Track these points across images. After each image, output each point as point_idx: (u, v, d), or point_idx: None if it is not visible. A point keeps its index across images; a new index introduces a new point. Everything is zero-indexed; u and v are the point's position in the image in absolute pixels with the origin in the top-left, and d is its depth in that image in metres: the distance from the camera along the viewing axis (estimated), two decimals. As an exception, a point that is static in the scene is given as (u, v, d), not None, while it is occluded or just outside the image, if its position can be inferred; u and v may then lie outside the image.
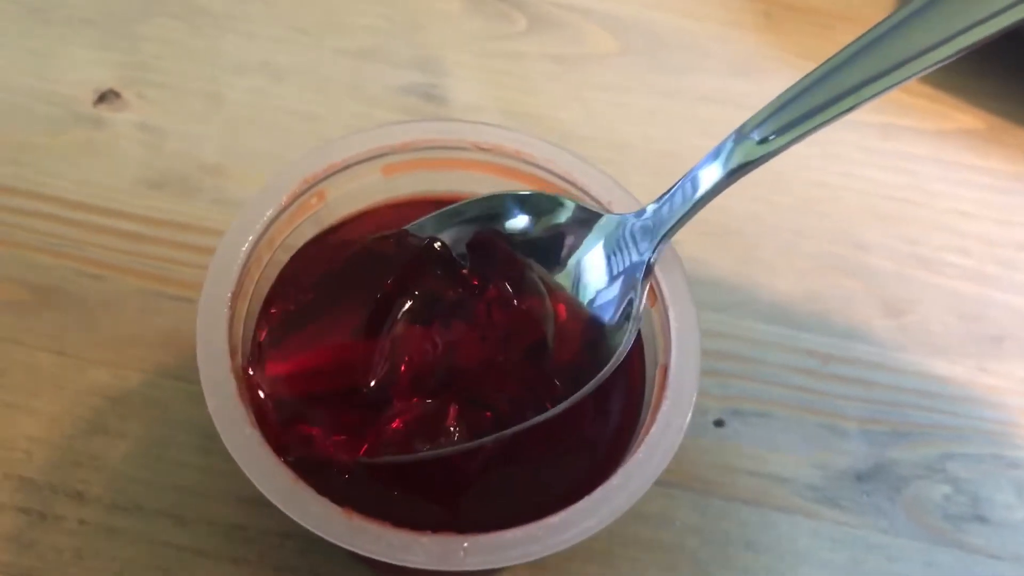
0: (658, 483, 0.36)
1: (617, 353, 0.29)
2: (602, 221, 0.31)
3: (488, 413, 0.29)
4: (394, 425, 0.28)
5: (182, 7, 0.47)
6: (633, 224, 0.31)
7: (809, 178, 0.45)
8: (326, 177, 0.31)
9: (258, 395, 0.29)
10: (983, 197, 0.46)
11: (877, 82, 0.26)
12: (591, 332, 0.30)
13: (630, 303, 0.30)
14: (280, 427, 0.28)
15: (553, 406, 0.28)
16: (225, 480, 0.35)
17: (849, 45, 0.27)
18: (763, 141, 0.28)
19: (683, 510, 0.37)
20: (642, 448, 0.27)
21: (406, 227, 0.31)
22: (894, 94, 0.47)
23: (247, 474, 0.25)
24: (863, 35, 0.26)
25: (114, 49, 0.45)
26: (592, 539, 0.35)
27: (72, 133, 0.43)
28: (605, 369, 0.29)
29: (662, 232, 0.30)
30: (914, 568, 0.36)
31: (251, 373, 0.28)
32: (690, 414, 0.28)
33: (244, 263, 0.28)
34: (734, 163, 0.28)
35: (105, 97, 0.44)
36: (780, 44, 0.49)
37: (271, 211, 0.29)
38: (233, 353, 0.27)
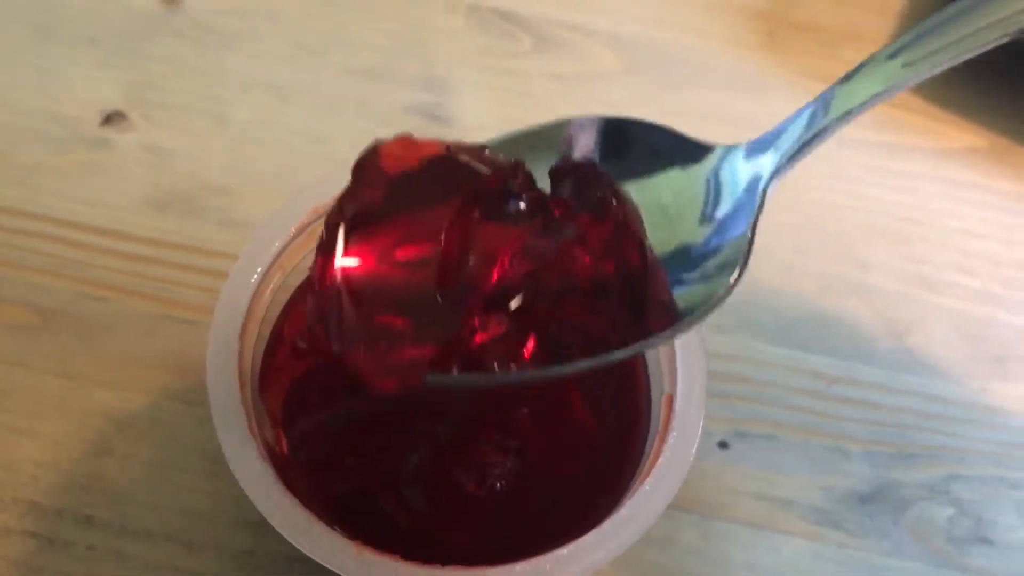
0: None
1: (727, 286, 0.27)
2: (701, 152, 0.29)
3: (570, 347, 0.26)
4: (474, 342, 0.26)
5: (188, 26, 0.47)
6: (744, 153, 0.28)
7: (813, 197, 0.46)
8: (334, 206, 0.31)
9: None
10: (987, 216, 0.46)
11: (1016, 19, 0.25)
12: (688, 269, 0.28)
13: (732, 237, 0.27)
14: (359, 320, 0.25)
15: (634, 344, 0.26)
16: (233, 504, 0.35)
17: None
18: (907, 65, 0.26)
19: (686, 532, 0.37)
20: (649, 479, 0.27)
21: (483, 144, 0.29)
22: (896, 112, 0.46)
23: (259, 508, 0.25)
24: None
25: (120, 69, 0.45)
26: (598, 564, 0.36)
27: (78, 154, 0.43)
28: (711, 302, 0.26)
29: (786, 154, 0.27)
30: (918, 591, 0.37)
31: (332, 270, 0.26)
32: (696, 444, 0.28)
33: (253, 294, 0.29)
34: (878, 86, 0.26)
35: (111, 118, 0.44)
36: (783, 62, 0.50)
37: (279, 242, 0.30)
38: (243, 384, 0.27)
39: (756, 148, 0.28)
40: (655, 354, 0.31)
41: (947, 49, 0.25)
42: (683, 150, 0.29)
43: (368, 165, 0.26)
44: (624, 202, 0.27)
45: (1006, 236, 0.45)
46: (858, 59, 0.51)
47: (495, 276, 0.26)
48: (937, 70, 0.25)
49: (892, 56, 0.26)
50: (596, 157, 0.29)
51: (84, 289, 0.39)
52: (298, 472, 0.29)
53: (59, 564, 0.34)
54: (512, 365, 0.26)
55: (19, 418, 0.36)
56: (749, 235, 0.27)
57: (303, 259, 0.31)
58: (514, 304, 0.26)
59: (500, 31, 0.49)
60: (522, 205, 0.27)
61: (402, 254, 0.25)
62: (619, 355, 0.26)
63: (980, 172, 0.47)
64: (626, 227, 0.27)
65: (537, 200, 0.27)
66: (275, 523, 0.25)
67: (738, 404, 0.40)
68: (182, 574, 0.34)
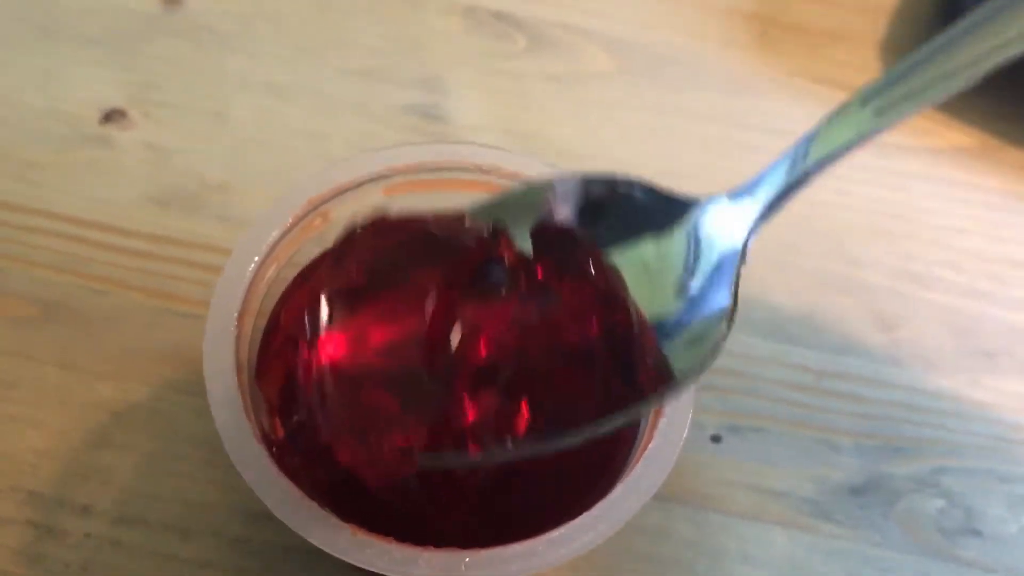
0: (656, 498, 0.37)
1: (715, 347, 0.27)
2: (679, 209, 0.29)
3: (559, 416, 0.27)
4: (464, 421, 0.26)
5: (188, 27, 0.48)
6: (724, 205, 0.29)
7: (803, 195, 0.46)
8: (330, 198, 0.31)
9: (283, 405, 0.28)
10: (975, 214, 0.46)
11: (990, 57, 0.25)
12: (674, 327, 0.28)
13: (713, 305, 0.28)
14: (345, 408, 0.26)
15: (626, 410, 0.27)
16: (230, 494, 0.36)
17: (961, 21, 0.26)
18: (879, 114, 0.26)
19: (681, 524, 0.37)
20: (640, 464, 0.28)
21: (464, 211, 0.29)
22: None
23: (254, 490, 0.26)
24: (976, 11, 0.26)
25: (120, 68, 0.46)
26: (591, 553, 0.36)
27: (79, 151, 0.43)
28: (702, 364, 0.27)
29: (757, 211, 0.28)
30: (908, 581, 0.37)
31: (308, 364, 0.26)
32: (687, 429, 0.29)
33: (250, 282, 0.29)
34: (850, 135, 0.26)
35: (111, 116, 0.45)
36: (776, 63, 0.50)
37: (276, 232, 0.30)
38: (240, 369, 0.28)
39: (736, 197, 0.29)
40: (646, 343, 0.31)
41: (916, 96, 0.26)
42: (664, 207, 0.29)
43: (347, 248, 0.27)
44: (605, 265, 0.28)
45: (994, 233, 0.46)
46: (849, 60, 0.52)
47: (482, 352, 0.26)
48: (907, 117, 0.26)
49: (864, 103, 0.27)
50: (577, 219, 0.30)
51: (86, 283, 0.40)
52: (294, 458, 0.29)
53: (57, 552, 0.34)
54: (507, 440, 0.26)
55: (20, 408, 0.37)
56: (733, 289, 0.28)
57: (299, 250, 0.32)
58: (503, 379, 0.26)
59: (495, 32, 0.50)
60: (503, 275, 0.27)
61: (386, 337, 0.26)
62: (613, 423, 0.26)
63: (969, 171, 0.48)
64: (610, 291, 0.27)
65: (520, 265, 0.27)
66: (268, 503, 0.26)
67: (730, 398, 0.40)
68: (178, 562, 0.34)
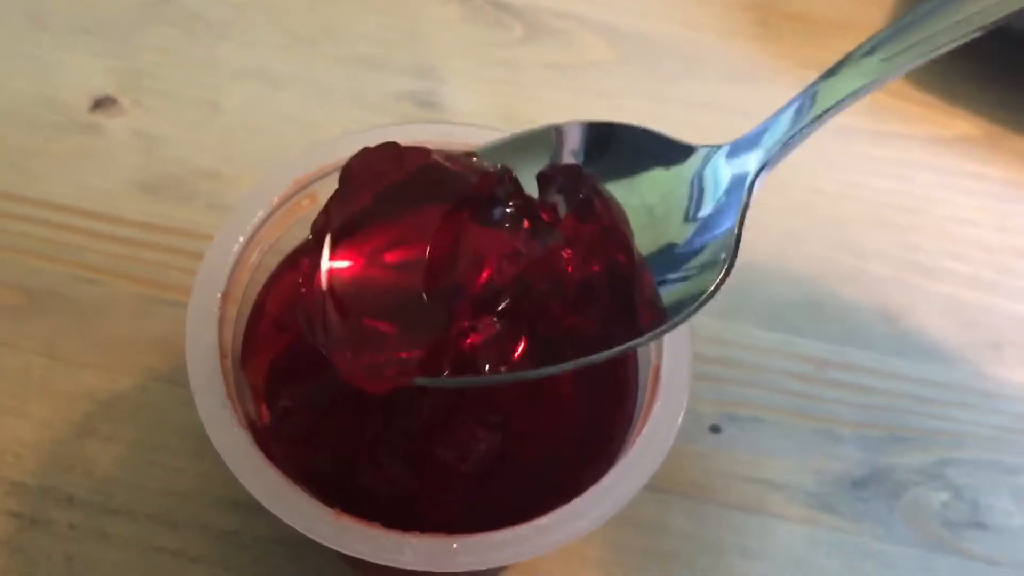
0: (653, 489, 0.36)
1: (715, 281, 0.27)
2: (686, 153, 0.29)
3: (560, 348, 0.27)
4: (464, 343, 0.26)
5: (180, 15, 0.47)
6: (727, 153, 0.29)
7: (806, 184, 0.45)
8: (318, 179, 0.31)
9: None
10: (980, 204, 0.46)
11: (995, 8, 0.26)
12: (674, 268, 0.28)
13: (717, 234, 0.27)
14: (345, 324, 0.25)
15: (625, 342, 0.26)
16: (218, 485, 0.35)
17: None
18: (886, 60, 0.26)
19: (679, 516, 0.36)
20: (633, 450, 0.27)
21: (471, 151, 0.29)
22: (890, 100, 0.46)
23: (236, 475, 0.25)
24: None
25: (111, 56, 0.45)
26: (587, 545, 0.35)
27: (69, 139, 0.43)
28: (702, 299, 0.27)
29: (771, 150, 0.27)
30: (911, 574, 0.36)
31: (320, 266, 0.26)
32: (682, 415, 0.28)
33: (234, 264, 0.28)
34: (858, 81, 0.26)
35: (102, 103, 0.44)
36: (776, 52, 0.49)
37: (262, 212, 0.29)
38: (223, 354, 0.27)
39: (741, 147, 0.29)
40: (642, 327, 0.30)
41: (923, 43, 0.26)
42: (668, 151, 0.30)
43: (355, 171, 0.27)
44: (609, 203, 0.27)
45: (999, 223, 0.45)
46: (850, 49, 0.51)
47: (483, 278, 0.26)
48: (914, 64, 0.26)
49: (870, 52, 0.27)
50: (582, 161, 0.30)
51: (74, 272, 0.39)
52: (280, 445, 0.29)
53: (41, 543, 0.34)
54: (502, 366, 0.26)
55: (5, 398, 0.36)
56: (736, 231, 0.27)
57: (285, 233, 0.31)
58: (503, 306, 0.26)
59: (492, 20, 0.49)
60: (509, 210, 0.27)
61: (389, 259, 0.26)
62: (607, 354, 0.26)
63: (974, 160, 0.47)
64: (612, 228, 0.27)
65: (524, 205, 0.27)
66: (250, 487, 0.25)
67: (730, 388, 0.39)
68: (166, 553, 0.34)
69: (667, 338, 0.29)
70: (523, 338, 0.27)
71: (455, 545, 0.25)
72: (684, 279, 0.27)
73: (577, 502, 0.26)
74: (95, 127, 0.43)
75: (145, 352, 0.38)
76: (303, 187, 0.30)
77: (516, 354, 0.26)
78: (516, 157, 0.29)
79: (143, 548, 0.34)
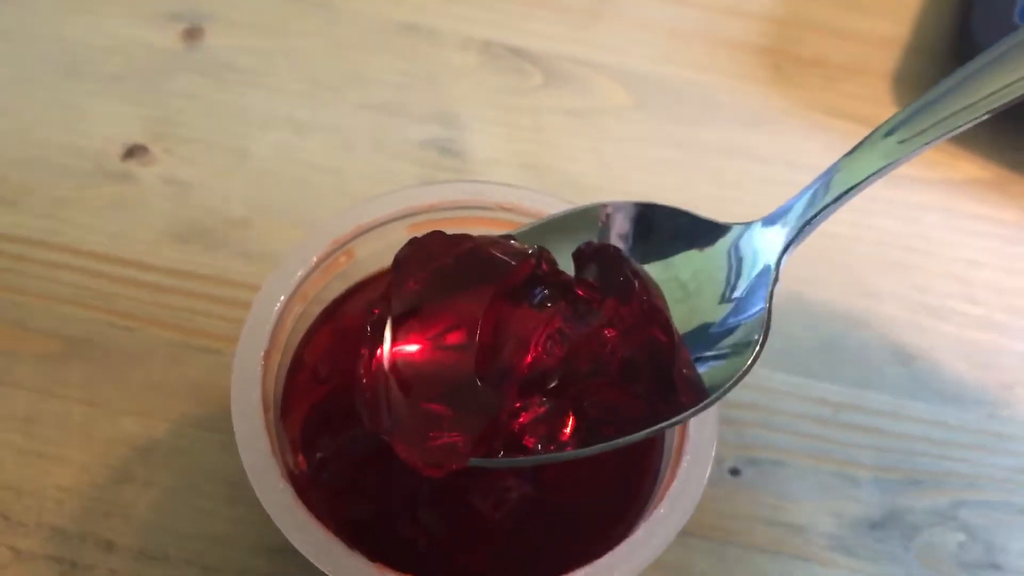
0: (678, 533, 0.37)
1: (751, 360, 0.28)
2: (718, 233, 0.31)
3: (604, 426, 0.28)
4: (514, 424, 0.27)
5: (208, 63, 0.48)
6: (757, 230, 0.30)
7: (820, 228, 0.46)
8: (355, 237, 0.32)
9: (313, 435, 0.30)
10: (990, 246, 0.47)
11: (1008, 91, 0.27)
12: (707, 346, 0.29)
13: (750, 315, 0.29)
14: (407, 408, 0.26)
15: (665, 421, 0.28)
16: (252, 529, 0.36)
17: (981, 55, 0.28)
18: (903, 142, 0.28)
19: (701, 559, 0.37)
20: (664, 503, 0.28)
21: (508, 233, 0.31)
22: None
23: (282, 529, 0.26)
24: (992, 48, 0.28)
25: (142, 105, 0.47)
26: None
27: (102, 187, 0.44)
28: (738, 376, 0.28)
29: (795, 227, 0.29)
30: (929, 616, 0.37)
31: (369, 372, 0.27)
32: (709, 469, 0.29)
33: (276, 321, 0.29)
34: (877, 163, 0.28)
35: (133, 152, 0.45)
36: (790, 96, 0.51)
37: (302, 271, 0.30)
38: (266, 408, 0.28)
39: (768, 223, 0.30)
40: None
41: (940, 125, 0.28)
42: (701, 231, 0.31)
43: (406, 261, 0.28)
44: (647, 283, 0.29)
45: (1009, 265, 0.46)
46: (862, 93, 0.53)
47: (530, 360, 0.27)
48: (931, 145, 0.28)
49: (889, 133, 0.28)
50: (619, 239, 0.31)
51: (109, 319, 0.40)
52: (318, 495, 0.30)
53: (82, 588, 0.35)
54: (551, 445, 0.27)
55: (45, 444, 0.37)
56: (767, 311, 0.29)
57: (324, 288, 0.32)
58: (550, 386, 0.27)
59: (511, 67, 0.50)
60: (548, 291, 0.28)
61: (443, 342, 0.27)
62: (648, 432, 0.27)
63: (983, 203, 0.48)
64: (652, 307, 0.28)
65: (563, 284, 0.28)
66: (296, 543, 0.26)
67: (749, 431, 0.40)
68: (203, 598, 0.35)
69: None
70: (570, 417, 0.28)
71: (493, 599, 0.26)
72: (718, 357, 0.29)
73: (610, 556, 0.27)
74: (127, 175, 0.44)
75: (179, 398, 0.39)
76: (340, 246, 0.31)
77: (564, 433, 0.27)
78: (553, 237, 0.31)
79: (180, 592, 0.35)
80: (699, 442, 0.29)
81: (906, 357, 0.43)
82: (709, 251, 0.31)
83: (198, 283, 0.42)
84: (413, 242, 0.28)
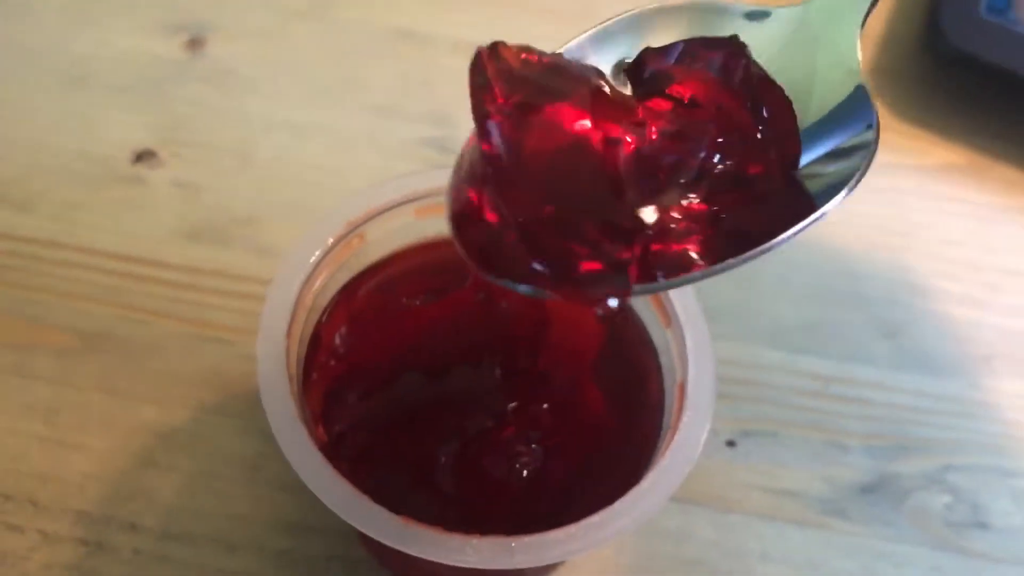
0: (677, 500, 0.39)
1: (870, 150, 0.25)
2: (780, 15, 0.27)
3: (740, 233, 0.25)
4: (665, 238, 0.24)
5: (211, 72, 0.50)
6: (816, 9, 0.27)
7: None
8: (366, 220, 0.33)
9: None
10: (966, 226, 0.49)
11: None
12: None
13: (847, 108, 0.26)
14: (550, 236, 0.23)
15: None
16: (272, 507, 0.37)
17: None
18: None
19: (702, 526, 0.39)
20: (667, 455, 0.30)
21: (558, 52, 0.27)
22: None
23: (311, 488, 0.28)
24: None
25: (149, 112, 0.48)
26: (620, 554, 0.38)
27: (113, 190, 0.46)
28: (857, 175, 0.25)
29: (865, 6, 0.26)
30: (921, 573, 0.39)
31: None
32: (708, 424, 0.31)
33: (296, 299, 0.31)
34: None
35: (142, 156, 0.47)
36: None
37: (318, 252, 0.32)
38: (291, 379, 0.30)
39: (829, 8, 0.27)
40: (667, 345, 0.33)
41: None
42: (759, 16, 0.28)
43: (491, 62, 0.25)
44: (772, 82, 0.26)
45: (986, 244, 0.48)
46: None
47: (655, 159, 0.24)
48: None
49: None
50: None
51: (124, 313, 0.42)
52: (338, 464, 0.31)
53: (107, 568, 0.36)
54: (704, 256, 0.25)
55: (68, 433, 0.39)
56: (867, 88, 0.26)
57: (339, 269, 0.34)
58: (688, 192, 0.25)
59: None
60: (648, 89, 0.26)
61: (563, 147, 0.23)
62: (788, 234, 0.25)
63: (958, 186, 0.50)
64: (782, 108, 0.26)
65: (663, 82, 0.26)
66: (327, 501, 0.27)
67: (744, 405, 0.42)
68: (225, 574, 0.36)
69: (691, 356, 0.32)
70: (706, 224, 0.25)
71: (513, 544, 0.27)
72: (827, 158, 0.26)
73: (620, 503, 0.28)
74: (137, 178, 0.46)
75: (195, 386, 0.40)
76: (354, 228, 0.33)
77: (706, 242, 0.25)
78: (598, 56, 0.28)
79: (203, 569, 0.36)
80: (697, 401, 0.31)
81: (890, 332, 0.45)
82: (773, 43, 0.27)
83: (207, 278, 0.43)
84: (494, 45, 0.25)
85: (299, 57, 0.52)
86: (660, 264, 0.24)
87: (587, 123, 0.24)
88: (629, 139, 0.24)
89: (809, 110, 0.26)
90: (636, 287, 0.24)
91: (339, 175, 0.48)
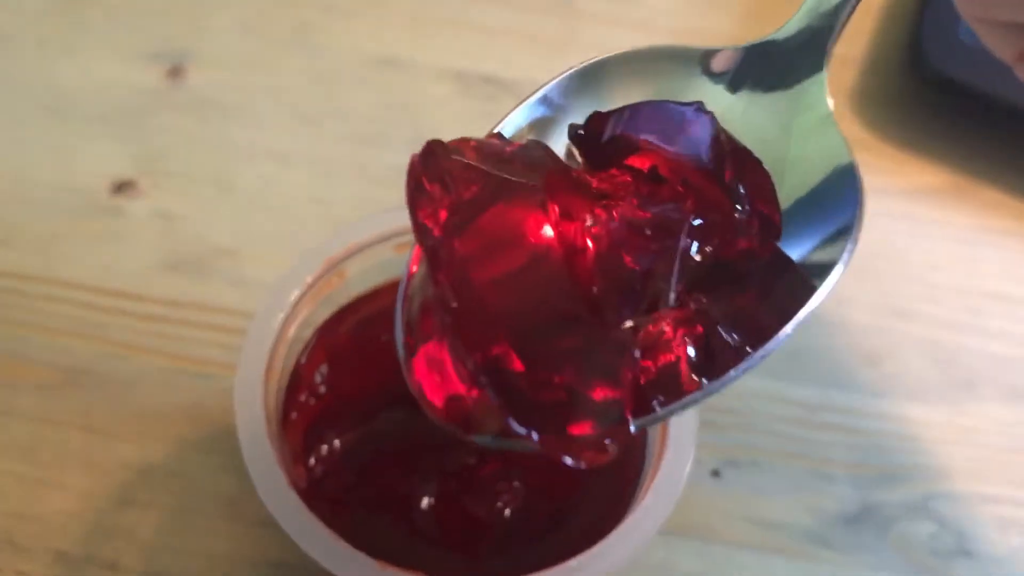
0: (660, 532, 0.39)
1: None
2: (734, 57, 0.25)
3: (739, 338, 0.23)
4: (662, 357, 0.22)
5: (191, 100, 0.50)
6: (780, 48, 0.25)
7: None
8: (346, 258, 0.33)
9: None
10: (949, 250, 0.49)
11: None
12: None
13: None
14: (532, 381, 0.20)
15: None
16: (253, 545, 0.37)
17: None
18: None
19: (686, 557, 0.39)
20: (648, 495, 0.29)
21: (497, 132, 0.26)
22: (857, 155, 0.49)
23: (287, 531, 0.27)
24: None
25: (129, 142, 0.48)
26: (602, 587, 0.37)
27: (92, 222, 0.45)
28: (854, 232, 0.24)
29: (829, 38, 0.24)
30: (906, 603, 0.39)
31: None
32: (691, 462, 0.30)
33: (275, 340, 0.31)
34: None
35: (122, 187, 0.46)
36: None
37: (297, 291, 0.32)
38: (269, 420, 0.29)
39: (796, 46, 0.25)
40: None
41: None
42: (713, 61, 0.26)
43: (433, 170, 0.24)
44: (746, 151, 0.24)
45: (969, 267, 0.48)
46: None
47: (633, 267, 0.21)
48: None
49: None
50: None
51: (104, 348, 0.41)
52: (318, 505, 0.31)
53: (88, 609, 0.36)
54: (701, 365, 0.23)
55: (46, 471, 0.38)
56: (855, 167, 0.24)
57: (318, 308, 0.34)
58: (677, 303, 0.22)
59: (483, 94, 0.52)
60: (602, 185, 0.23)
61: (529, 284, 0.21)
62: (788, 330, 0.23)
63: (942, 209, 0.50)
64: (758, 177, 0.24)
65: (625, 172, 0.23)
66: (303, 544, 0.27)
67: (728, 434, 0.42)
68: (206, 613, 0.36)
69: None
70: (702, 333, 0.22)
71: (493, 589, 0.27)
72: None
73: (601, 545, 0.28)
74: (116, 209, 0.46)
75: (175, 422, 0.40)
76: (333, 266, 0.33)
77: (703, 356, 0.23)
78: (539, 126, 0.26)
79: (184, 609, 0.36)
80: (679, 438, 0.31)
81: (874, 359, 0.45)
82: (729, 88, 0.25)
83: (189, 311, 0.43)
84: (431, 146, 0.24)
85: (281, 85, 0.51)
86: (655, 387, 0.22)
87: (546, 230, 0.21)
88: (592, 241, 0.21)
89: (784, 171, 0.24)
90: (635, 423, 0.21)
91: (323, 204, 0.47)
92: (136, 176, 0.47)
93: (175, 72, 0.51)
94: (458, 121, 0.51)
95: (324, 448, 0.32)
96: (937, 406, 0.44)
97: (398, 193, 0.48)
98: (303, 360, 0.33)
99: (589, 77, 0.26)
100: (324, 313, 0.34)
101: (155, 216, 0.46)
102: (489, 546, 0.31)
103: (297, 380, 0.33)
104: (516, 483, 0.33)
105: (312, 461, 0.32)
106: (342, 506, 0.31)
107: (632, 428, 0.21)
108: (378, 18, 0.53)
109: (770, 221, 0.24)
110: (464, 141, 0.24)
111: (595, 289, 0.21)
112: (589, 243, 0.21)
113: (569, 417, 0.20)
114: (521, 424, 0.20)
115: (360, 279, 0.34)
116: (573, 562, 0.28)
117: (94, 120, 0.49)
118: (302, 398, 0.33)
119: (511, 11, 0.54)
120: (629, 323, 0.21)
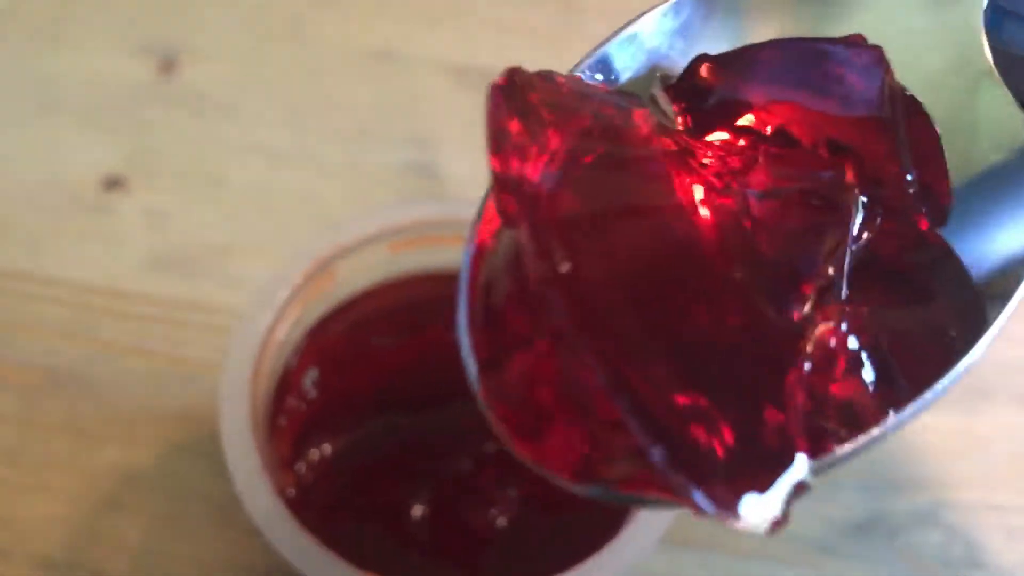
0: (663, 543, 0.38)
1: None
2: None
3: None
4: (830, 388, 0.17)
5: (182, 95, 0.49)
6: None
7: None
8: (336, 257, 0.32)
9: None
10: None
11: None
12: None
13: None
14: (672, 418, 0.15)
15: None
16: (242, 550, 0.36)
17: None
18: None
19: (689, 569, 0.38)
20: (647, 507, 0.28)
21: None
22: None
23: (273, 543, 0.26)
24: None
25: (119, 137, 0.47)
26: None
27: (81, 219, 0.44)
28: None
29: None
30: (915, 614, 0.38)
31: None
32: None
33: (263, 342, 0.30)
34: None
35: (111, 184, 0.45)
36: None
37: (286, 292, 0.31)
38: (255, 428, 0.28)
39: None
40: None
41: None
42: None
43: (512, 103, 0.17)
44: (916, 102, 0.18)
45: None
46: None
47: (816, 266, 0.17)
48: None
49: None
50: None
51: (91, 348, 0.40)
52: (308, 513, 0.30)
53: (72, 617, 0.35)
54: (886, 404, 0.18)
55: (30, 475, 0.37)
56: None
57: (306, 310, 0.33)
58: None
59: (482, 89, 0.51)
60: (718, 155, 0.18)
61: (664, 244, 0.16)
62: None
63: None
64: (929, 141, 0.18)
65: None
66: (291, 558, 0.26)
67: (730, 439, 0.41)
68: (193, 622, 0.35)
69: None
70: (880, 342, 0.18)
71: (486, 603, 0.26)
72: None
73: (597, 557, 0.27)
74: (106, 207, 0.45)
75: (163, 425, 0.39)
76: (323, 266, 0.32)
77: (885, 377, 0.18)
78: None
79: (170, 617, 0.35)
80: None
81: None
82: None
83: (178, 311, 0.42)
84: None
85: (275, 79, 0.50)
86: (829, 417, 0.16)
87: (687, 195, 0.15)
88: (747, 218, 0.16)
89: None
90: (811, 466, 0.16)
91: (316, 202, 0.46)
92: (125, 172, 0.46)
93: (166, 66, 0.49)
94: (456, 117, 0.50)
95: (314, 454, 0.31)
96: (947, 413, 0.43)
97: (395, 190, 0.47)
98: (292, 364, 0.32)
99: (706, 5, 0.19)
100: (314, 315, 0.33)
101: (145, 213, 0.45)
102: (484, 557, 0.30)
103: (286, 385, 0.32)
104: (513, 492, 0.32)
105: (302, 468, 0.31)
106: (332, 514, 0.30)
107: (806, 474, 0.15)
108: (373, 10, 0.52)
109: (936, 200, 0.18)
110: (548, 73, 0.18)
111: (752, 277, 0.16)
112: (744, 220, 0.16)
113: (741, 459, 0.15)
114: (678, 471, 0.15)
115: (352, 278, 0.33)
116: (572, 573, 0.27)
117: (84, 114, 0.48)
118: (291, 403, 0.32)
119: (510, 3, 0.53)
120: (795, 325, 0.16)
